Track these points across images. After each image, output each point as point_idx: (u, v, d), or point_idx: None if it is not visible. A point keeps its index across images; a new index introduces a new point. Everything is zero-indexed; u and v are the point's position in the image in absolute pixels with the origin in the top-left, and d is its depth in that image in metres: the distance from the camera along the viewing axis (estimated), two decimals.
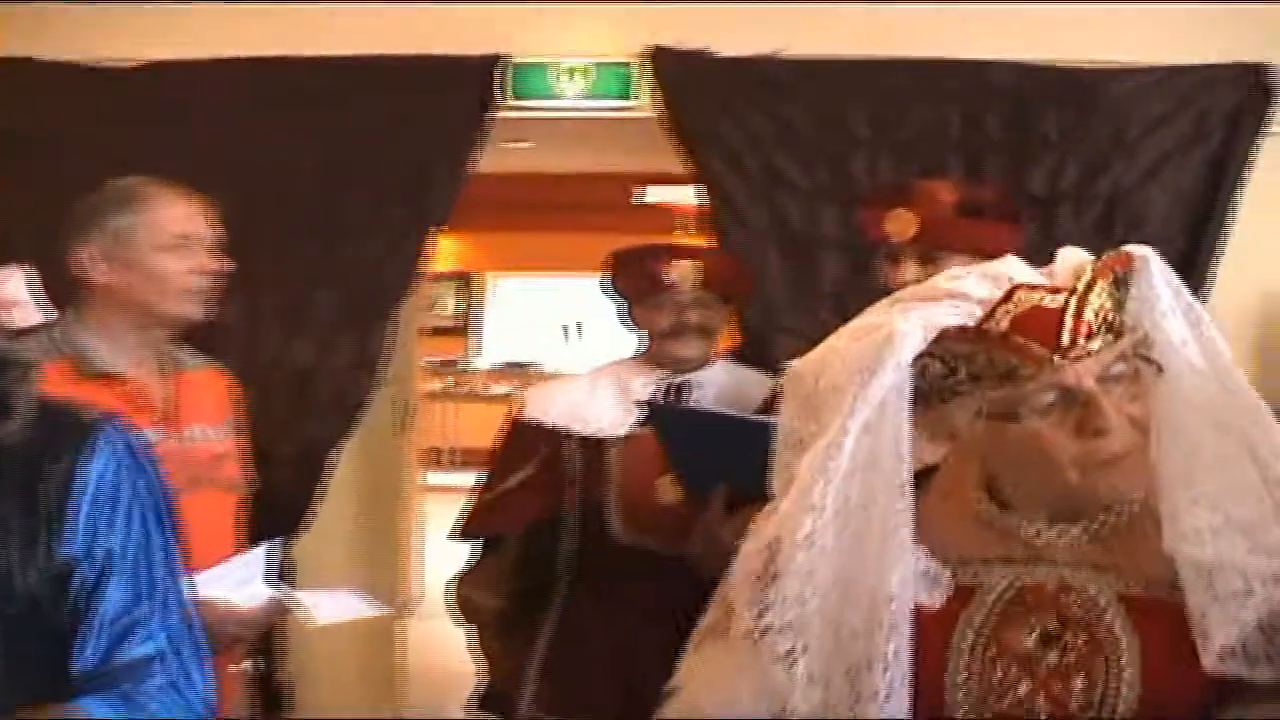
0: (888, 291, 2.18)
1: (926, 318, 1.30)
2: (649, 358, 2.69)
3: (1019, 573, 1.36)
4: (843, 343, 1.35)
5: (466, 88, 3.42)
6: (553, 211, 9.44)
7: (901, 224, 2.31)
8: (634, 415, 2.60)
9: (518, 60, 3.49)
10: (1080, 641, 1.31)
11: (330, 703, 3.66)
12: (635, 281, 2.66)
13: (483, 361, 11.11)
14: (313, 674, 3.55)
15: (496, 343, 11.40)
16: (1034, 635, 1.32)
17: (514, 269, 11.48)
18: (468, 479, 2.85)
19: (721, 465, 2.32)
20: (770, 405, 2.46)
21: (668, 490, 2.53)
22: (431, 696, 4.39)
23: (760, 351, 3.15)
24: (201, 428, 2.31)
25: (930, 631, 1.31)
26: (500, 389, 10.18)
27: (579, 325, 11.49)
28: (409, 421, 5.22)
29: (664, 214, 9.61)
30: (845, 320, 3.31)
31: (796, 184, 3.35)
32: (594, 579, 2.63)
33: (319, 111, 3.38)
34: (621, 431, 2.62)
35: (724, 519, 2.33)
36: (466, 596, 2.73)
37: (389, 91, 3.39)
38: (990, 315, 1.29)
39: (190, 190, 2.27)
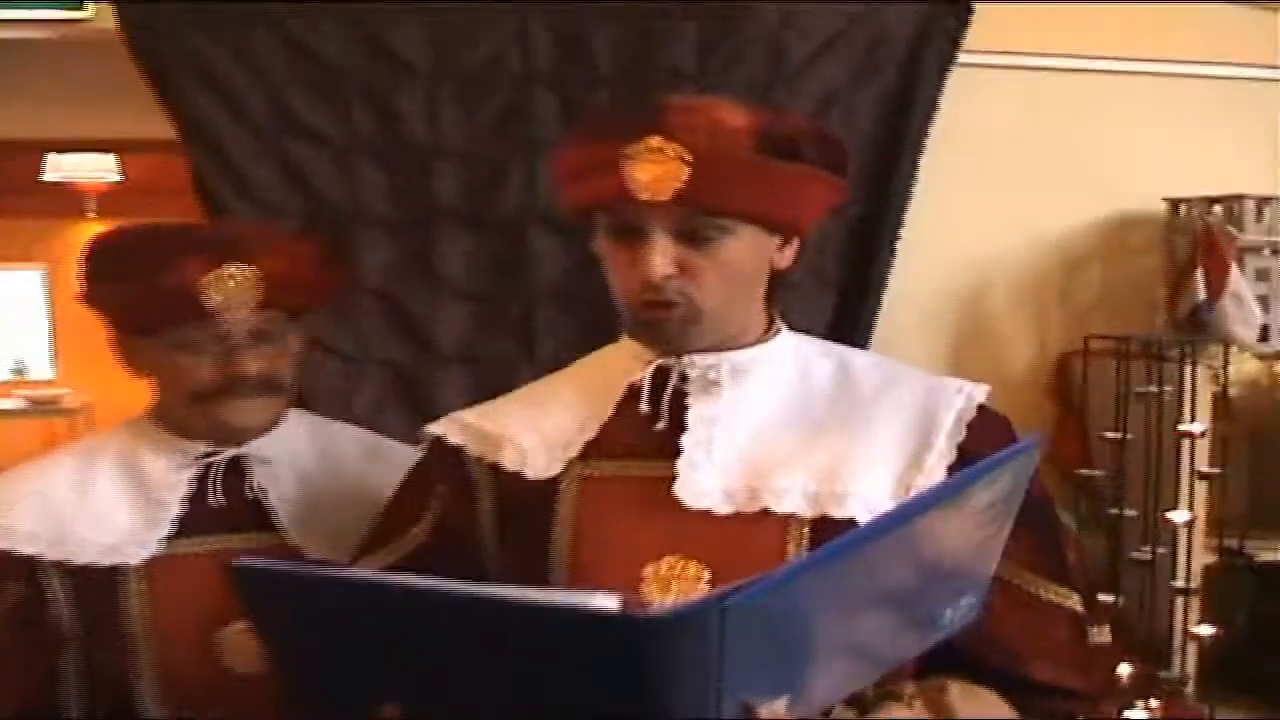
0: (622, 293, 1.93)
1: None
2: (174, 422, 2.22)
3: None
4: None
5: None
6: None
7: (665, 168, 1.83)
8: (162, 522, 2.17)
9: None
10: None
11: None
12: (142, 302, 2.13)
13: None
14: None
15: None
16: None
17: None
18: None
19: (375, 663, 1.70)
20: (423, 488, 2.07)
21: (238, 649, 2.07)
22: None
23: None
24: None
25: None
26: None
27: None
28: None
29: (72, 194, 9.25)
30: (396, 327, 3.15)
31: (324, 135, 3.25)
32: None
33: None
34: (143, 552, 2.16)
35: None
36: None
37: None
38: None
39: None
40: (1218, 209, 3.37)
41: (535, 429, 2.00)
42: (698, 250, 1.85)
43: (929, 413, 1.93)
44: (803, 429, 1.93)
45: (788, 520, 1.84)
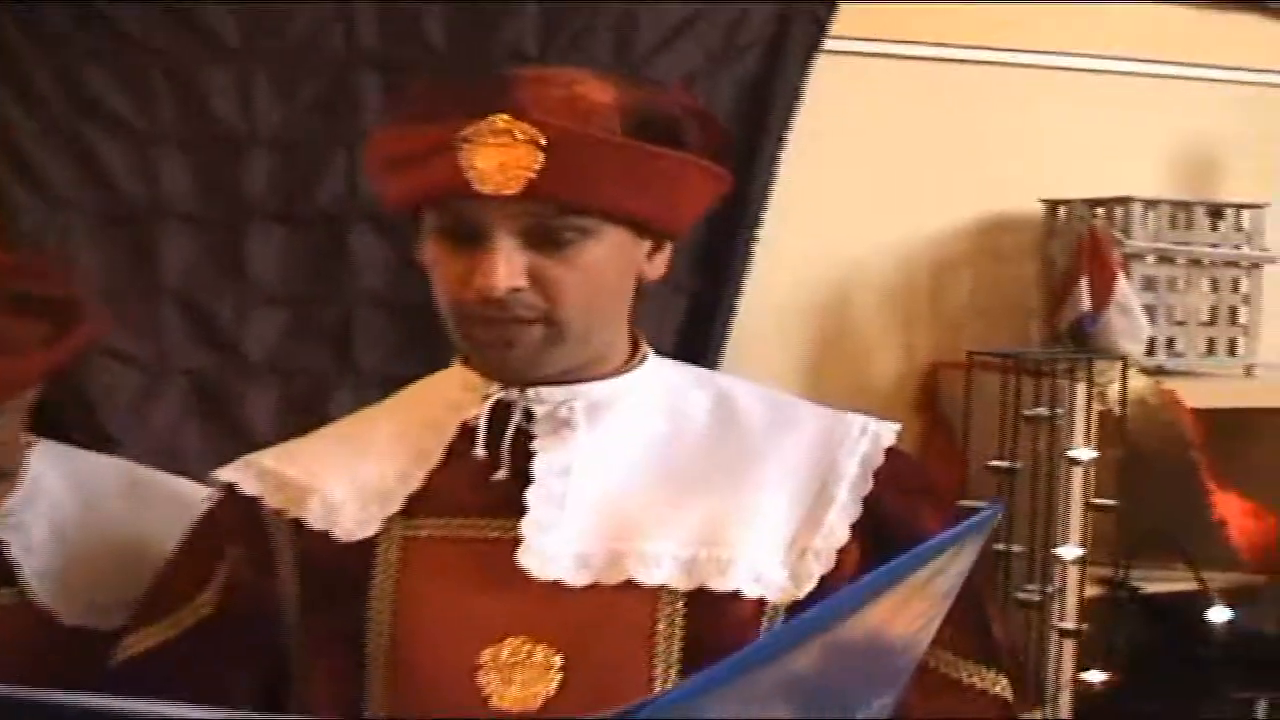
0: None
1: None
2: None
3: None
4: None
5: None
6: None
7: (513, 154, 1.53)
8: None
9: None
10: None
11: None
12: None
13: None
14: None
15: None
16: None
17: None
18: None
19: None
20: (210, 548, 1.76)
21: None
22: None
23: (69, 390, 2.76)
24: None
25: None
26: None
27: None
28: None
29: None
30: (199, 334, 2.88)
31: (122, 119, 2.93)
32: None
33: None
34: None
35: None
36: None
37: None
38: None
39: None
40: (1100, 212, 3.16)
41: (347, 477, 1.69)
42: (551, 257, 1.57)
43: (827, 459, 1.66)
44: (676, 479, 1.65)
45: (658, 593, 1.56)
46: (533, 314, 1.58)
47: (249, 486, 1.73)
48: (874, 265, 3.36)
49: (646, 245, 1.67)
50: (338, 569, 1.64)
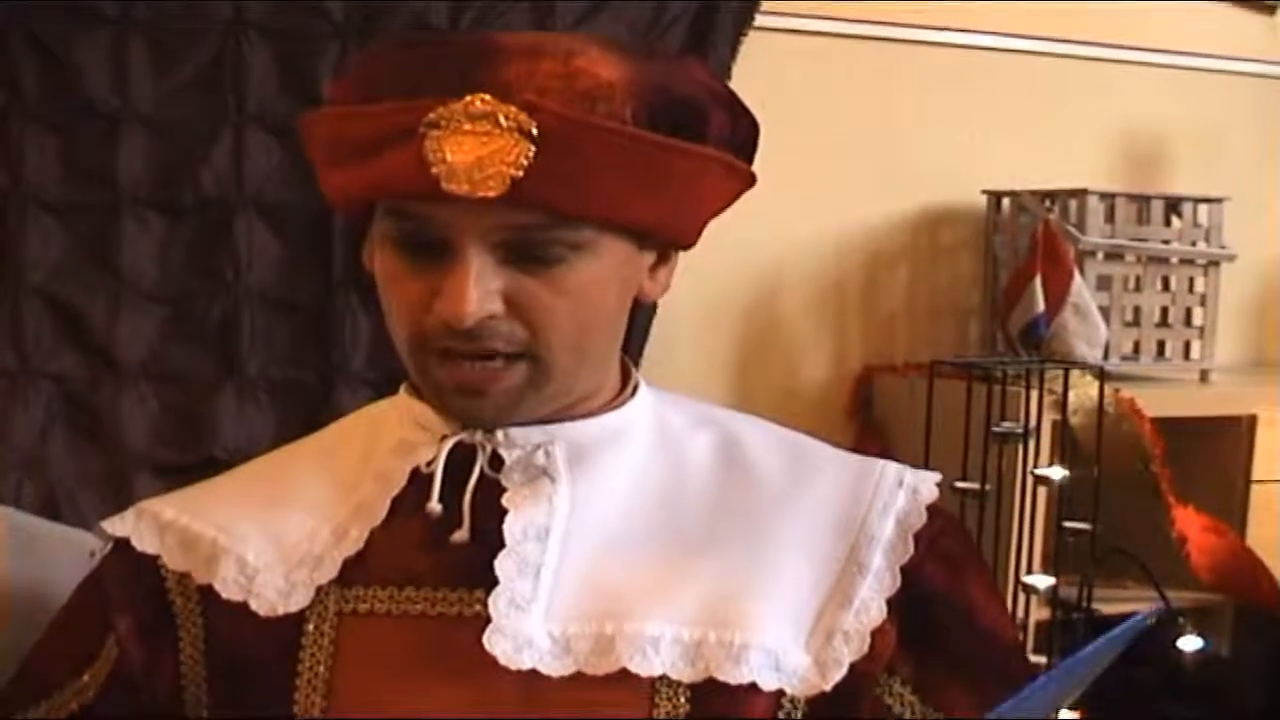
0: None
1: None
2: None
3: None
4: None
5: None
6: None
7: (495, 146, 1.25)
8: None
9: None
10: None
11: None
12: None
13: None
14: None
15: None
16: None
17: None
18: None
19: None
20: (96, 619, 1.49)
21: None
22: None
23: None
24: None
25: None
26: None
27: None
28: None
29: None
30: (66, 335, 2.73)
31: None
32: None
33: None
34: None
35: None
36: None
37: None
38: None
39: None
40: (1048, 204, 3.01)
41: (268, 534, 1.43)
42: (535, 276, 1.30)
43: (856, 516, 1.41)
44: (677, 543, 1.39)
45: (656, 685, 1.31)
46: (510, 349, 1.32)
47: (144, 542, 1.46)
48: (803, 260, 3.22)
49: (649, 257, 1.40)
50: (256, 651, 1.39)
